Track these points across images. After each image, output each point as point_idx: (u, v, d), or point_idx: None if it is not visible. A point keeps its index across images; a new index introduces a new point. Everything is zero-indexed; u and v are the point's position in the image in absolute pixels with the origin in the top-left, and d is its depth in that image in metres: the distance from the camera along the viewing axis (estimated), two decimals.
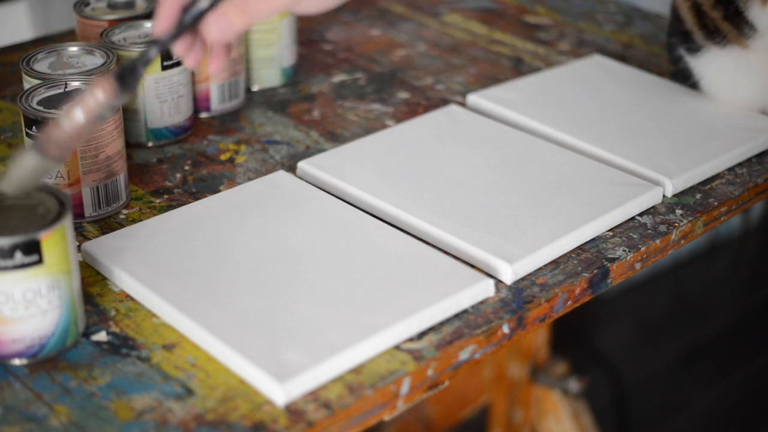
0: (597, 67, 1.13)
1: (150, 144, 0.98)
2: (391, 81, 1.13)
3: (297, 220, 0.84)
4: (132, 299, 0.76)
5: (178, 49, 0.70)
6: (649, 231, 0.86)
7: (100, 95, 0.67)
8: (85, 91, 0.67)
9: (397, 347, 0.72)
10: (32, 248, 0.66)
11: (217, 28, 0.69)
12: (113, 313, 0.75)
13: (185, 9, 0.69)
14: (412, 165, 0.92)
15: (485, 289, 0.76)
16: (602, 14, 1.33)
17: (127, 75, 0.68)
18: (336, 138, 1.00)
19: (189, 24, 0.69)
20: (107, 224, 0.86)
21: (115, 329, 0.73)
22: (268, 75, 1.10)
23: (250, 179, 0.92)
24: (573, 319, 1.43)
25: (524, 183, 0.90)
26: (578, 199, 0.87)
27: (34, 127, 0.82)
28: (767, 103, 1.03)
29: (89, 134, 0.69)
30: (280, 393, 0.66)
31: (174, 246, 0.80)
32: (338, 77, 1.14)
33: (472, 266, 0.80)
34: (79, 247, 0.81)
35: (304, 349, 0.69)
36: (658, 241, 0.85)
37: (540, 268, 0.80)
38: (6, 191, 0.68)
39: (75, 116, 0.67)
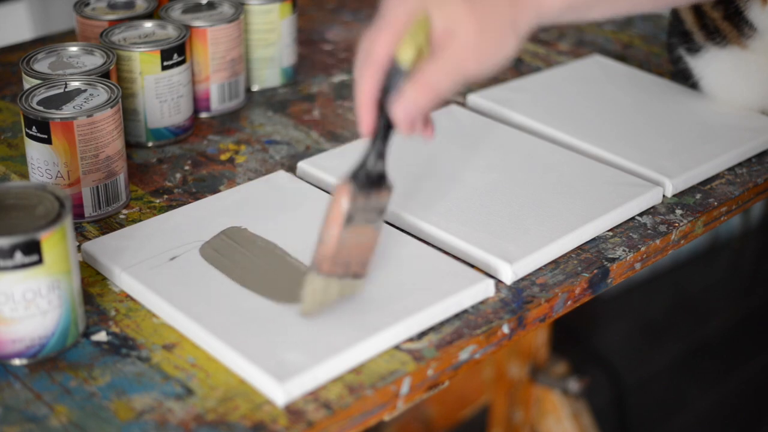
0: (597, 67, 1.13)
1: (150, 144, 0.98)
2: None
3: (297, 220, 0.84)
4: (132, 299, 0.76)
5: (406, 134, 0.71)
6: (649, 231, 0.86)
7: (343, 203, 0.70)
8: (331, 204, 0.70)
9: (397, 347, 0.72)
10: (32, 248, 0.66)
11: (404, 113, 0.69)
12: (113, 313, 0.75)
13: (381, 100, 0.70)
14: (412, 165, 0.92)
15: (485, 290, 0.76)
16: None
17: (359, 174, 0.71)
18: (336, 138, 1.00)
19: (387, 120, 0.70)
20: (107, 224, 0.86)
21: (115, 329, 0.73)
22: (268, 75, 1.10)
23: (250, 179, 0.92)
24: (573, 319, 1.43)
25: (524, 183, 0.90)
26: (578, 199, 0.87)
27: (34, 127, 0.82)
28: (767, 103, 1.03)
29: (353, 239, 0.71)
30: (279, 393, 0.66)
31: (174, 246, 0.80)
32: (338, 77, 1.14)
33: (472, 266, 0.80)
34: (79, 247, 0.81)
35: (303, 349, 0.69)
36: (658, 241, 0.85)
37: (540, 268, 0.80)
38: (309, 315, 0.72)
39: (330, 231, 0.70)
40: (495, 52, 0.70)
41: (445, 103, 1.07)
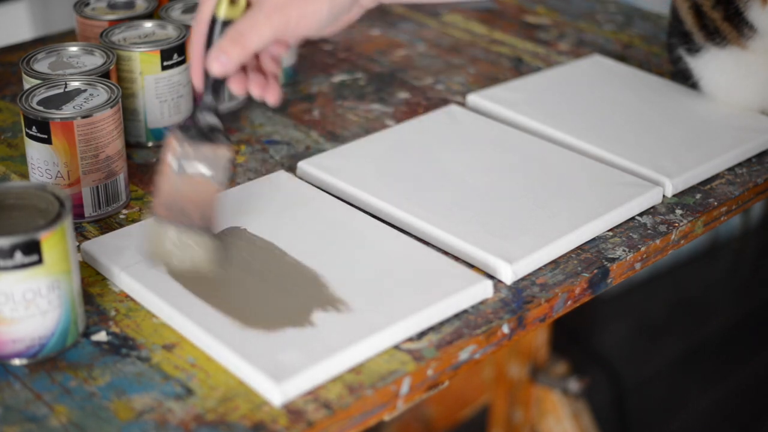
0: (597, 67, 1.13)
1: (150, 144, 0.98)
2: (391, 81, 1.13)
3: (297, 220, 0.84)
4: (132, 299, 0.76)
5: (237, 89, 0.78)
6: (649, 231, 0.86)
7: (170, 148, 0.75)
8: (162, 152, 0.75)
9: (396, 347, 0.72)
10: (32, 248, 0.66)
11: (218, 64, 0.75)
12: (113, 313, 0.75)
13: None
14: (412, 165, 0.92)
15: (484, 290, 0.76)
16: (602, 14, 1.33)
17: (188, 125, 0.76)
18: (336, 138, 1.00)
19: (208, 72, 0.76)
20: (107, 224, 0.86)
21: (115, 329, 0.73)
22: None
23: (250, 179, 0.92)
24: (573, 319, 1.43)
25: (524, 183, 0.90)
26: (578, 199, 0.87)
27: (34, 127, 0.82)
28: (767, 103, 1.03)
29: (186, 187, 0.75)
30: (276, 393, 0.66)
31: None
32: (338, 77, 1.14)
33: (472, 266, 0.80)
34: (79, 247, 0.81)
35: (301, 350, 0.69)
36: (658, 241, 0.85)
37: (540, 268, 0.80)
38: (151, 259, 0.76)
39: (163, 176, 0.75)
40: (303, 13, 0.75)
41: (445, 103, 1.07)
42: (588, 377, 1.50)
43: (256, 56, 0.80)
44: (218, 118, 0.76)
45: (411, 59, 1.19)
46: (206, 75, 0.76)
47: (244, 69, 0.79)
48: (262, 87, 0.79)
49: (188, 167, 0.74)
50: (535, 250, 0.80)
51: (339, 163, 0.92)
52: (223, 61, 0.74)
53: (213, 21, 0.76)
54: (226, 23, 0.75)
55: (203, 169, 0.75)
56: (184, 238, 0.75)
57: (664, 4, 1.14)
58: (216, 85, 0.76)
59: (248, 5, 0.76)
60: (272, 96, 0.79)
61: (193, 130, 0.75)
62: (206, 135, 0.75)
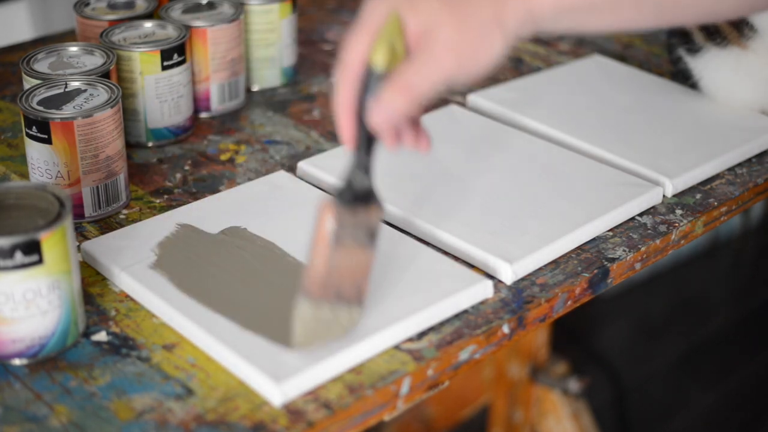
0: (597, 67, 1.13)
1: (150, 144, 0.98)
2: None
3: (297, 220, 0.84)
4: (132, 299, 0.76)
5: (390, 145, 0.69)
6: (649, 231, 0.86)
7: (329, 221, 0.66)
8: (316, 223, 0.67)
9: (397, 347, 0.72)
10: (32, 248, 0.66)
11: (380, 117, 0.66)
12: (113, 313, 0.75)
13: (359, 109, 0.67)
14: (412, 165, 0.92)
15: (484, 290, 0.76)
16: None
17: (344, 191, 0.68)
18: (336, 138, 1.00)
19: (369, 131, 0.67)
20: (107, 224, 0.86)
21: (115, 329, 0.73)
22: (268, 75, 1.10)
23: (250, 179, 0.92)
24: (573, 319, 1.43)
25: (524, 183, 0.90)
26: (578, 199, 0.87)
27: (34, 127, 0.82)
28: (767, 103, 1.03)
29: (343, 261, 0.68)
30: (276, 393, 0.66)
31: (173, 246, 0.80)
32: None
33: (472, 266, 0.80)
34: (79, 247, 0.81)
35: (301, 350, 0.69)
36: (658, 241, 0.85)
37: (540, 268, 0.80)
38: (303, 347, 0.68)
39: (318, 253, 0.67)
40: (477, 51, 0.67)
41: (445, 103, 1.07)
42: (588, 377, 1.50)
43: None
44: (370, 178, 0.68)
45: None
46: (361, 131, 0.67)
47: None
48: (416, 137, 0.71)
49: (346, 238, 0.67)
50: (535, 250, 0.80)
51: (339, 163, 0.92)
52: (388, 114, 0.65)
53: (368, 73, 0.66)
54: (384, 76, 0.66)
55: (362, 239, 0.67)
56: (343, 320, 0.69)
57: None
58: (370, 143, 0.67)
59: (407, 48, 0.67)
60: (425, 145, 0.71)
61: (347, 194, 0.67)
62: (363, 199, 0.67)
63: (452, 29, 0.66)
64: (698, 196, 0.91)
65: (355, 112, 0.67)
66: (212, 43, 1.01)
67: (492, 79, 1.13)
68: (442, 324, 0.74)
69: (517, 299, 0.77)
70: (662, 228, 0.86)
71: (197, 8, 1.04)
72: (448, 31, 0.66)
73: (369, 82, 0.66)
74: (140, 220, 0.86)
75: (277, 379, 0.66)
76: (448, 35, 0.66)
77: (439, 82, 0.66)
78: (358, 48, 0.66)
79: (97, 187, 0.85)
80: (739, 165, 0.97)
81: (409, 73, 0.65)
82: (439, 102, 1.08)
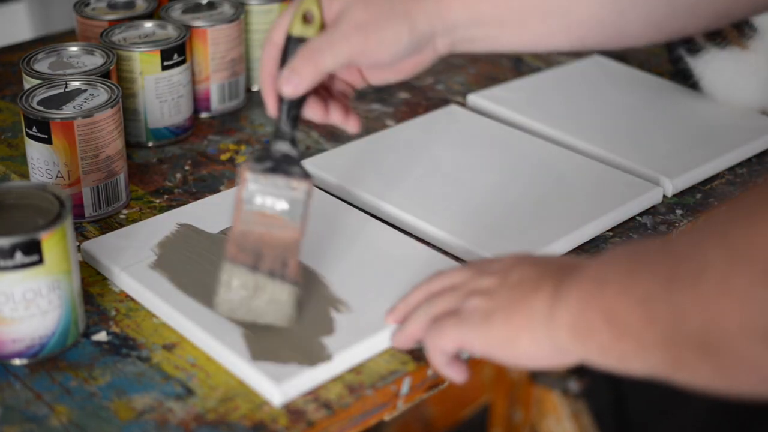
0: (597, 67, 1.13)
1: (150, 144, 0.98)
2: None
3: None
4: (132, 299, 0.76)
5: (316, 116, 0.74)
6: (649, 231, 0.86)
7: (242, 180, 0.69)
8: (237, 185, 0.70)
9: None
10: (32, 248, 0.66)
11: (289, 85, 0.70)
12: (113, 313, 0.75)
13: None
14: (412, 165, 0.92)
15: None
16: None
17: (262, 155, 0.70)
18: (336, 138, 1.00)
19: (289, 102, 0.71)
20: (107, 224, 0.86)
21: (115, 329, 0.73)
22: None
23: None
24: None
25: (524, 183, 0.90)
26: (578, 199, 0.87)
27: (34, 127, 0.82)
28: (767, 103, 1.03)
29: (259, 223, 0.69)
30: (276, 393, 0.66)
31: (173, 246, 0.80)
32: None
33: None
34: (79, 247, 0.81)
35: (301, 350, 0.69)
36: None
37: None
38: (224, 313, 0.70)
39: (234, 212, 0.69)
40: (383, 36, 0.71)
41: (445, 103, 1.07)
42: (588, 377, 1.50)
43: (328, 87, 0.77)
44: (295, 148, 0.70)
45: None
46: (281, 100, 0.71)
47: (322, 96, 0.75)
48: (344, 115, 0.75)
49: (263, 202, 0.69)
50: (535, 250, 0.80)
51: (339, 163, 0.92)
52: (294, 81, 0.70)
53: (287, 41, 0.71)
54: (301, 41, 0.70)
55: (280, 205, 0.69)
56: (260, 285, 0.69)
57: None
58: (291, 112, 0.71)
59: (324, 27, 0.72)
60: (353, 125, 0.75)
61: (267, 161, 0.69)
62: (282, 166, 0.69)
63: (363, 11, 0.71)
64: (698, 196, 0.91)
65: (276, 80, 0.72)
66: (212, 43, 1.01)
67: (492, 79, 1.13)
68: None
69: None
70: (662, 228, 0.86)
71: (197, 8, 1.04)
72: (359, 12, 0.71)
73: (287, 47, 0.71)
74: (140, 220, 0.86)
75: (277, 380, 0.66)
76: (359, 15, 0.71)
77: (344, 56, 0.71)
78: (281, 22, 0.72)
79: (97, 187, 0.85)
80: (740, 165, 0.97)
81: (315, 43, 0.70)
82: (439, 102, 1.08)
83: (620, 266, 0.57)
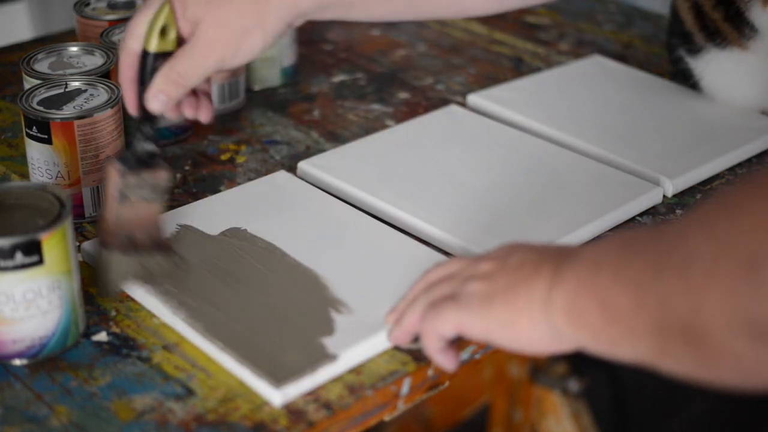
0: (597, 67, 1.13)
1: None
2: (391, 81, 1.13)
3: (297, 220, 0.84)
4: (132, 299, 0.76)
5: (171, 116, 0.79)
6: None
7: (113, 181, 0.74)
8: (105, 183, 0.75)
9: (397, 347, 0.72)
10: (33, 248, 0.66)
11: (157, 103, 0.76)
12: (113, 313, 0.75)
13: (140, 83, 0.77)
14: (412, 165, 0.92)
15: None
16: (602, 14, 1.33)
17: (127, 155, 0.76)
18: (336, 138, 1.00)
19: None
20: None
21: (115, 329, 0.73)
22: (268, 75, 1.10)
23: (250, 179, 0.92)
24: None
25: (524, 183, 0.90)
26: (578, 199, 0.87)
27: (34, 128, 0.82)
28: (767, 103, 1.03)
29: (130, 214, 0.75)
30: (276, 395, 0.66)
31: (173, 246, 0.80)
32: (338, 77, 1.14)
33: None
34: (79, 247, 0.81)
35: (301, 351, 0.69)
36: None
37: None
38: (106, 294, 0.76)
39: (108, 208, 0.75)
40: (238, 49, 0.76)
41: (445, 103, 1.07)
42: (588, 377, 1.50)
43: None
44: (155, 144, 0.77)
45: (411, 59, 1.19)
46: (142, 104, 0.76)
47: None
48: (195, 108, 0.80)
49: (131, 195, 0.75)
50: None
51: (339, 163, 0.92)
52: (162, 100, 0.75)
53: (145, 54, 0.76)
54: (159, 55, 0.75)
55: (146, 195, 0.75)
56: (135, 262, 0.75)
57: (664, 4, 1.14)
58: (151, 115, 0.77)
59: (179, 38, 0.76)
60: (205, 115, 0.80)
61: (132, 159, 0.75)
62: (146, 162, 0.76)
63: (215, 27, 0.76)
64: (698, 196, 0.91)
65: (136, 87, 0.76)
66: None
67: (492, 79, 1.13)
68: None
69: None
70: None
71: None
72: (212, 29, 0.76)
73: (146, 61, 0.76)
74: None
75: (278, 381, 0.66)
76: (212, 32, 0.76)
77: (206, 73, 0.77)
78: (135, 31, 0.76)
79: (98, 187, 0.85)
80: (739, 165, 0.97)
81: (178, 65, 0.75)
82: (439, 102, 1.08)
83: (614, 252, 0.58)
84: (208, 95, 0.81)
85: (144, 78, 0.76)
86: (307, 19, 0.80)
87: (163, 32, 0.75)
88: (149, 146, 0.76)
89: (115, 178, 0.74)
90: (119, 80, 0.77)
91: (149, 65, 0.75)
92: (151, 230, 0.76)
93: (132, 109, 0.77)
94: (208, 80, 0.81)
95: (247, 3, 0.76)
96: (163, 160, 0.77)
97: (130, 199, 0.75)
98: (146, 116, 0.76)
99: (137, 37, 0.76)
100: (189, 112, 0.80)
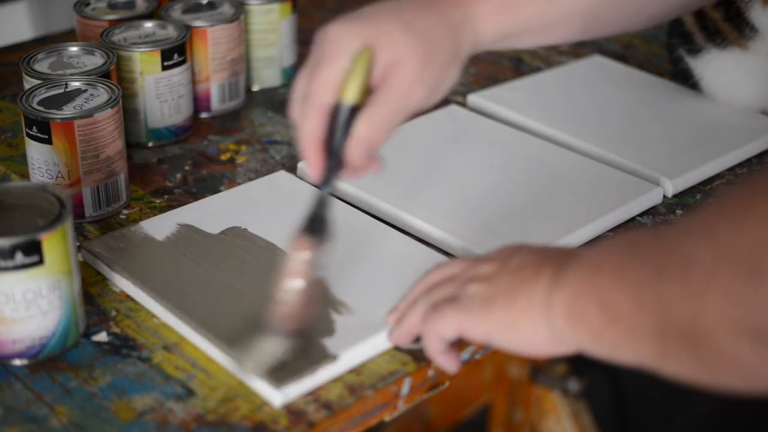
0: (597, 67, 1.13)
1: (150, 144, 0.98)
2: None
3: (297, 221, 0.83)
4: (132, 299, 0.76)
5: (355, 174, 0.70)
6: None
7: (303, 255, 0.66)
8: (287, 259, 0.66)
9: (397, 348, 0.72)
10: (33, 249, 0.66)
11: (359, 153, 0.67)
12: (113, 313, 0.75)
13: (327, 141, 0.67)
14: (412, 165, 0.92)
15: None
16: None
17: (315, 225, 0.67)
18: None
19: (337, 163, 0.68)
20: (107, 224, 0.86)
21: (115, 329, 0.73)
22: (268, 75, 1.10)
23: (250, 179, 0.92)
24: None
25: (524, 183, 0.90)
26: (578, 199, 0.87)
27: (34, 128, 0.82)
28: (767, 104, 1.03)
29: (316, 295, 0.68)
30: (276, 395, 0.66)
31: (173, 246, 0.80)
32: None
33: None
34: (79, 247, 0.81)
35: (301, 351, 0.69)
36: None
37: None
38: (255, 374, 0.66)
39: (291, 287, 0.66)
40: (441, 83, 0.71)
41: (445, 103, 1.07)
42: (588, 377, 1.50)
43: None
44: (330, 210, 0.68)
45: None
46: (328, 165, 0.68)
47: None
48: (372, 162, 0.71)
49: (316, 272, 0.66)
50: None
51: None
52: (365, 149, 0.67)
53: (337, 107, 0.67)
54: (355, 109, 0.67)
55: (326, 270, 0.68)
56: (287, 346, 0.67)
57: None
58: (335, 174, 0.68)
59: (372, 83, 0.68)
60: (376, 168, 0.71)
61: (318, 227, 0.67)
62: (326, 230, 0.67)
63: (419, 61, 0.68)
64: (699, 196, 0.91)
65: (324, 146, 0.68)
66: (212, 43, 1.01)
67: (492, 79, 1.13)
68: None
69: None
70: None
71: (197, 8, 1.04)
72: (415, 63, 0.68)
73: (338, 115, 0.66)
74: (140, 220, 0.86)
75: (277, 381, 0.66)
76: (415, 67, 0.68)
77: (410, 112, 0.69)
78: (327, 82, 0.67)
79: (98, 187, 0.85)
80: (740, 165, 0.97)
81: (382, 108, 0.67)
82: (439, 102, 1.08)
83: (614, 254, 0.58)
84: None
85: (332, 134, 0.67)
86: (482, 51, 0.76)
87: (362, 83, 0.67)
88: (327, 212, 0.68)
89: (306, 252, 0.65)
90: (302, 138, 0.68)
91: (342, 119, 0.66)
92: (311, 313, 0.68)
93: (318, 171, 0.68)
94: None
95: (446, 40, 0.70)
96: (332, 227, 0.68)
97: (314, 277, 0.66)
98: (332, 176, 0.68)
99: (331, 88, 0.67)
100: (364, 168, 0.70)
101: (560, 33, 0.79)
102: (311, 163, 0.68)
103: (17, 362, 0.69)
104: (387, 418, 0.70)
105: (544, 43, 0.80)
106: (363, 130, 0.67)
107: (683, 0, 0.84)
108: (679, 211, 0.89)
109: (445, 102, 1.07)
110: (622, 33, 0.80)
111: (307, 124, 0.68)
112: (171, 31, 0.98)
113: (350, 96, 0.66)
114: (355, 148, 0.67)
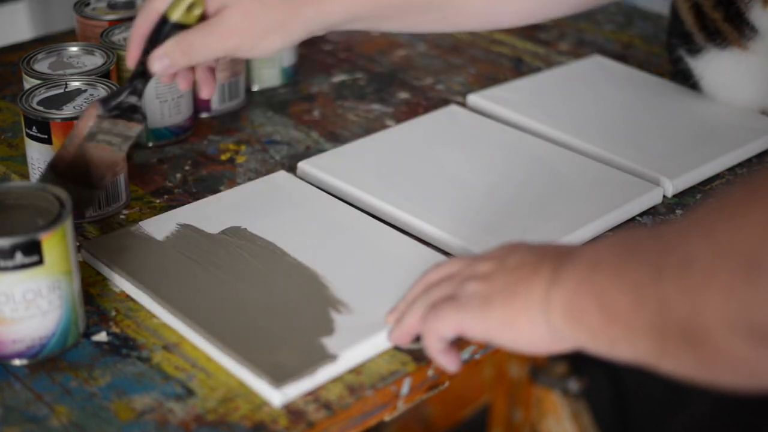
0: (597, 67, 1.13)
1: (150, 144, 0.98)
2: (391, 81, 1.13)
3: (297, 220, 0.84)
4: (132, 299, 0.76)
5: (163, 78, 0.80)
6: None
7: (89, 119, 0.77)
8: (81, 117, 0.79)
9: (397, 348, 0.72)
10: (33, 248, 0.66)
11: (159, 65, 0.77)
12: (113, 313, 0.75)
13: (148, 43, 0.78)
14: (412, 165, 0.92)
15: None
16: (602, 14, 1.33)
17: (111, 101, 0.78)
18: (336, 138, 1.00)
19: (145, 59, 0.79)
20: (107, 224, 0.86)
21: (115, 329, 0.73)
22: (268, 75, 1.10)
23: (250, 179, 0.92)
24: None
25: (524, 183, 0.90)
26: (578, 199, 0.87)
27: (34, 128, 0.82)
28: (767, 104, 1.03)
29: (92, 153, 0.79)
30: (276, 395, 0.66)
31: (173, 246, 0.80)
32: (338, 77, 1.14)
33: None
34: (79, 247, 0.81)
35: (301, 351, 0.69)
36: None
37: None
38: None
39: (74, 140, 0.78)
40: (258, 42, 0.77)
41: (445, 103, 1.07)
42: (588, 377, 1.50)
43: None
44: (140, 100, 0.79)
45: (411, 59, 1.19)
46: (141, 63, 0.78)
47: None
48: (189, 82, 0.81)
49: (101, 138, 0.78)
50: None
51: (339, 163, 0.92)
52: (165, 64, 0.77)
53: (164, 19, 0.77)
54: (177, 26, 0.77)
55: (113, 141, 0.79)
56: (82, 197, 0.80)
57: (664, 4, 1.14)
58: (147, 73, 0.78)
59: (203, 16, 0.77)
60: (207, 91, 0.82)
61: (113, 106, 0.78)
62: (125, 113, 0.78)
63: (240, 16, 0.76)
64: (698, 196, 0.91)
65: (142, 44, 0.78)
66: None
67: (492, 79, 1.13)
68: None
69: None
70: None
71: None
72: (236, 17, 0.76)
73: (161, 27, 0.77)
74: (140, 220, 0.86)
75: (278, 381, 0.66)
76: (235, 20, 0.76)
77: (216, 54, 0.77)
78: None
79: None
80: (739, 165, 0.97)
81: (191, 37, 0.76)
82: (439, 102, 1.08)
83: (613, 252, 0.58)
84: (212, 71, 0.82)
85: (155, 40, 0.77)
86: (333, 30, 0.81)
87: (190, 7, 0.77)
88: (133, 100, 0.79)
89: (92, 117, 0.77)
90: (131, 32, 0.79)
91: (165, 31, 0.77)
92: (103, 174, 0.80)
93: (131, 61, 0.79)
94: (216, 60, 0.82)
95: (277, 4, 0.77)
96: (143, 117, 0.80)
97: (97, 139, 0.78)
98: (142, 73, 0.78)
99: (167, 2, 0.77)
100: (182, 84, 0.81)
101: (420, 21, 0.83)
102: (128, 55, 0.79)
103: (17, 362, 0.69)
104: (387, 418, 0.70)
105: (405, 29, 0.85)
106: (168, 44, 0.77)
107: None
108: (679, 211, 0.89)
109: (445, 102, 1.07)
110: (492, 29, 0.87)
111: (137, 21, 0.78)
112: None
113: (173, 13, 0.77)
114: (156, 57, 0.77)
